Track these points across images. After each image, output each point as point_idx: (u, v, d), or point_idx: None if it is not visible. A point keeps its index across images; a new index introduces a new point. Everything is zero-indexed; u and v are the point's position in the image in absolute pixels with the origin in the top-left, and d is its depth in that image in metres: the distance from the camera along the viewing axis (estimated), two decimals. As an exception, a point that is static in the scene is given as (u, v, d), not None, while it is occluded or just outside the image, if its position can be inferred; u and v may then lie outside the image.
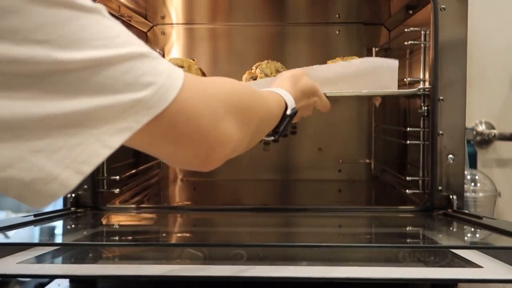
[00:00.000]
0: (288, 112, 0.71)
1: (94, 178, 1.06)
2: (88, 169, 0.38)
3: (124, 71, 0.39)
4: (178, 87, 0.43)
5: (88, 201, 1.06)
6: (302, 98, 0.81)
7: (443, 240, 0.89)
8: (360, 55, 1.32)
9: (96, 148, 0.38)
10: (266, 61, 1.16)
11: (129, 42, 0.41)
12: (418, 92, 1.07)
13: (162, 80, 0.41)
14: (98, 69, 0.37)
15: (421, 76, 1.09)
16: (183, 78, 0.44)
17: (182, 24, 1.50)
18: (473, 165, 1.40)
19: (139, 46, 0.41)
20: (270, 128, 0.68)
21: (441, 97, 1.01)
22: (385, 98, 1.43)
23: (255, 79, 1.11)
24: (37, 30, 0.35)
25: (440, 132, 1.02)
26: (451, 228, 0.95)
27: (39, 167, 0.36)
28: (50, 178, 0.36)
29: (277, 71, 1.12)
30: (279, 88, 0.75)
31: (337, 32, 1.48)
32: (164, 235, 1.01)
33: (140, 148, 0.46)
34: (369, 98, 1.48)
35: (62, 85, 0.36)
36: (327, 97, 0.95)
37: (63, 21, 0.36)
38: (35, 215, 0.93)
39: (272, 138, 0.73)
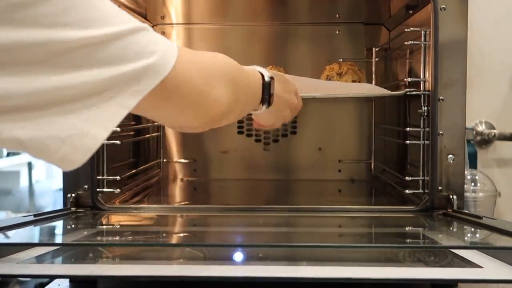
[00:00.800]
0: (267, 79, 0.76)
1: (94, 178, 1.06)
2: (112, 125, 0.45)
3: (134, 42, 0.46)
4: (175, 54, 0.50)
5: (88, 201, 1.06)
6: (279, 87, 0.82)
7: (443, 240, 0.89)
8: (360, 55, 1.33)
9: (116, 109, 0.45)
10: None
11: (131, 18, 0.47)
12: (407, 93, 1.09)
13: (163, 47, 0.48)
14: (114, 42, 0.44)
15: (421, 76, 1.09)
16: (178, 47, 0.51)
17: (182, 24, 1.50)
18: (473, 165, 1.39)
19: (139, 22, 0.48)
20: (255, 99, 0.75)
21: (441, 97, 1.01)
22: (386, 99, 1.43)
23: None
24: (64, 14, 0.41)
25: (440, 132, 1.02)
26: (451, 228, 0.95)
27: (72, 125, 0.42)
28: (83, 134, 0.43)
29: None
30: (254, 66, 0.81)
31: (337, 32, 1.48)
32: (164, 235, 1.01)
33: (145, 112, 0.54)
34: (369, 98, 1.48)
35: (87, 58, 0.43)
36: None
37: (85, 5, 0.43)
38: (35, 215, 0.93)
39: (264, 107, 0.78)
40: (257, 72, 0.77)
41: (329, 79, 1.22)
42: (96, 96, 0.44)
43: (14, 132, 0.41)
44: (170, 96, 0.52)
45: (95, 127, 0.44)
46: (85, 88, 0.43)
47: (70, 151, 0.43)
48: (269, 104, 0.78)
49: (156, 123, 1.44)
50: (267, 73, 0.78)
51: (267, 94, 0.77)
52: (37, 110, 0.41)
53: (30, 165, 3.14)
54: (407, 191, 1.10)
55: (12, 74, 0.40)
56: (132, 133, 1.31)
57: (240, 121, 1.48)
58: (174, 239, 0.96)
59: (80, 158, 0.43)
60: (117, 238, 0.96)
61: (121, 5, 1.24)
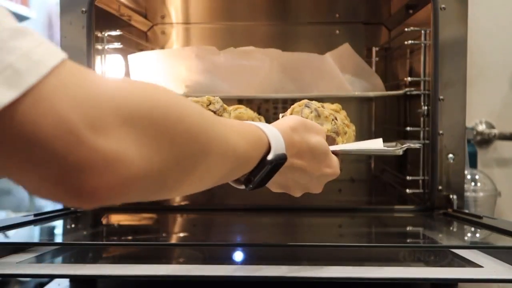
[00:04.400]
0: (270, 157, 0.50)
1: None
2: None
3: None
4: (41, 72, 0.30)
5: (88, 201, 1.06)
6: (302, 157, 0.57)
7: (443, 239, 0.89)
8: (360, 55, 1.32)
9: None
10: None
11: None
12: (407, 93, 1.10)
13: (11, 59, 0.29)
14: None
15: (421, 76, 1.09)
16: (58, 62, 0.31)
17: (182, 23, 1.50)
18: (473, 164, 1.39)
19: None
20: (227, 167, 0.46)
21: (441, 97, 1.01)
22: (386, 98, 1.43)
23: None
24: None
25: (440, 131, 1.02)
26: (451, 228, 0.95)
27: None
28: None
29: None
30: (269, 125, 0.54)
31: (337, 31, 1.48)
32: (164, 235, 1.01)
33: None
34: (369, 98, 1.48)
35: None
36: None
37: None
38: (35, 215, 0.93)
39: (243, 187, 0.54)
40: (261, 133, 0.51)
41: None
42: None
43: None
44: (14, 143, 0.30)
45: None
46: None
47: None
48: (256, 187, 0.54)
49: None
50: (280, 146, 0.52)
51: (259, 176, 0.51)
52: None
53: (30, 165, 3.12)
54: (407, 190, 1.10)
55: None
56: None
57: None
58: (174, 239, 0.96)
59: None
60: (117, 238, 0.96)
61: (121, 5, 1.24)
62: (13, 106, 0.28)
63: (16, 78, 0.29)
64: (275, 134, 0.52)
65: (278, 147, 0.51)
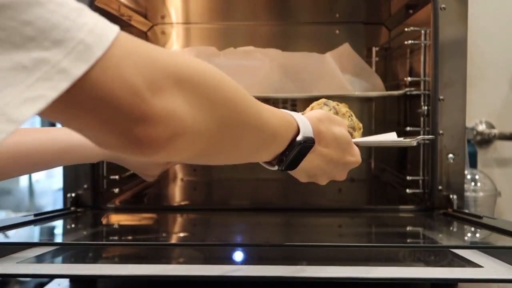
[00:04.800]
0: (299, 138, 0.55)
1: (94, 178, 1.06)
2: None
3: (24, 21, 0.31)
4: (105, 44, 0.34)
5: (88, 201, 1.06)
6: (328, 145, 0.61)
7: (443, 239, 0.89)
8: (360, 55, 1.32)
9: None
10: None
11: None
12: (407, 93, 1.10)
13: (81, 35, 0.33)
14: None
15: (421, 76, 1.09)
16: (116, 35, 0.35)
17: (182, 23, 1.50)
18: (473, 164, 1.39)
19: None
20: (260, 141, 0.52)
21: (441, 97, 1.01)
22: (386, 98, 1.43)
23: None
24: None
25: (440, 131, 1.02)
26: (451, 228, 0.95)
27: None
28: None
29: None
30: (296, 113, 0.59)
31: (337, 31, 1.48)
32: (164, 235, 1.01)
33: (57, 121, 0.38)
34: (369, 98, 1.48)
35: None
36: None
37: None
38: (35, 215, 0.93)
39: (276, 168, 0.58)
40: (291, 117, 0.56)
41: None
42: None
43: None
44: (92, 104, 0.35)
45: None
46: None
47: None
48: (288, 169, 0.58)
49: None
50: (308, 130, 0.56)
51: (291, 156, 0.56)
52: None
53: (30, 165, 3.13)
54: (407, 190, 1.10)
55: None
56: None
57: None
58: (174, 239, 0.96)
59: None
60: (117, 238, 0.96)
61: (122, 5, 1.24)
62: (87, 75, 0.33)
63: (87, 51, 0.33)
64: (303, 119, 0.57)
65: (306, 130, 0.56)
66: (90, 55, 0.33)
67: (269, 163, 0.59)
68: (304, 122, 0.57)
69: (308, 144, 0.56)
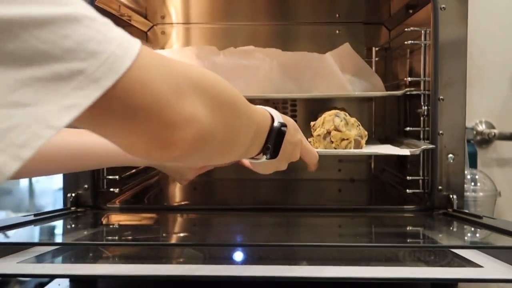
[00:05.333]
0: (276, 124, 0.62)
1: (94, 178, 1.06)
2: (27, 153, 0.32)
3: (63, 35, 0.33)
4: (132, 56, 0.37)
5: (88, 201, 1.06)
6: (288, 131, 0.69)
7: (443, 239, 0.89)
8: (360, 55, 1.32)
9: (36, 129, 0.32)
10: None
11: (74, 2, 0.35)
12: (407, 93, 1.10)
13: (112, 48, 0.36)
14: (32, 30, 0.32)
15: (421, 76, 1.09)
16: (139, 47, 0.39)
17: (182, 23, 1.50)
18: (473, 164, 1.40)
19: (85, 7, 0.36)
20: (253, 135, 0.59)
21: (441, 97, 1.01)
22: (386, 98, 1.43)
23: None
24: None
25: (440, 131, 1.02)
26: (451, 228, 0.95)
27: None
28: None
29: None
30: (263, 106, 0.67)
31: (337, 31, 1.48)
32: (164, 235, 1.01)
33: (87, 128, 0.40)
34: (369, 98, 1.48)
35: None
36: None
37: None
38: (35, 215, 0.93)
39: (265, 158, 0.64)
40: (265, 111, 0.63)
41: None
42: (6, 112, 0.31)
43: None
44: (121, 110, 0.38)
45: (3, 156, 0.32)
46: None
47: None
48: (273, 156, 0.64)
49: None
50: (279, 117, 0.63)
51: (272, 143, 0.62)
52: None
53: (30, 165, 3.12)
54: (407, 190, 1.10)
55: None
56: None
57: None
58: (174, 239, 0.96)
59: None
60: (117, 238, 0.96)
61: (122, 5, 1.24)
62: (117, 84, 0.36)
63: (118, 62, 0.36)
64: (272, 110, 0.65)
65: (278, 118, 0.63)
66: (120, 66, 0.36)
67: (255, 157, 0.65)
68: (274, 111, 0.64)
69: (283, 128, 0.63)
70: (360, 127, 1.07)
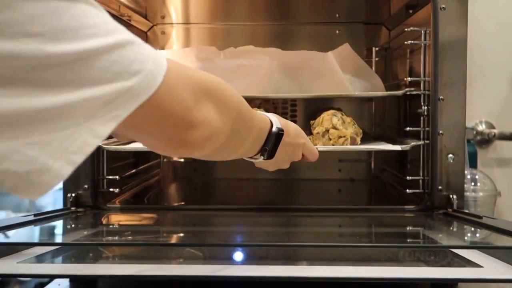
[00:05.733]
0: (274, 129, 0.69)
1: (94, 178, 1.06)
2: (79, 158, 0.39)
3: (113, 61, 0.39)
4: (163, 72, 0.43)
5: (88, 201, 1.06)
6: (289, 135, 0.77)
7: (443, 239, 0.89)
8: (360, 55, 1.32)
9: (86, 138, 0.39)
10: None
11: (116, 29, 0.40)
12: (407, 93, 1.10)
13: (149, 66, 0.42)
14: (88, 60, 0.38)
15: (421, 76, 1.09)
16: (167, 63, 0.45)
17: (182, 23, 1.50)
18: (473, 164, 1.40)
19: (125, 33, 0.41)
20: (252, 137, 0.66)
21: (441, 97, 1.01)
22: (386, 98, 1.43)
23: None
24: (29, 23, 0.35)
25: (440, 131, 1.02)
26: (451, 228, 0.95)
27: (33, 158, 0.37)
28: (43, 169, 0.37)
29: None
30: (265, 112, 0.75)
31: (337, 31, 1.48)
32: (164, 235, 1.01)
33: (123, 133, 0.47)
34: (369, 98, 1.48)
35: (54, 78, 0.36)
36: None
37: (53, 12, 0.36)
38: (35, 215, 0.93)
39: (262, 158, 0.72)
40: (266, 117, 0.70)
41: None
42: (63, 123, 0.37)
43: None
44: (153, 116, 0.45)
45: (60, 161, 0.38)
46: (51, 114, 0.36)
47: (27, 187, 0.37)
48: (269, 157, 0.71)
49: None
50: (277, 123, 0.71)
51: (270, 145, 0.69)
52: None
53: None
54: (407, 190, 1.10)
55: None
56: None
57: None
58: (174, 239, 0.96)
59: (37, 194, 0.38)
60: (117, 238, 0.96)
61: (122, 5, 1.24)
62: (152, 96, 0.42)
63: (153, 78, 0.42)
64: (272, 116, 0.72)
65: (277, 123, 0.71)
66: (155, 81, 0.42)
67: (253, 157, 0.73)
68: (274, 118, 0.71)
69: (280, 132, 0.70)
70: (356, 125, 1.15)
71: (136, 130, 0.47)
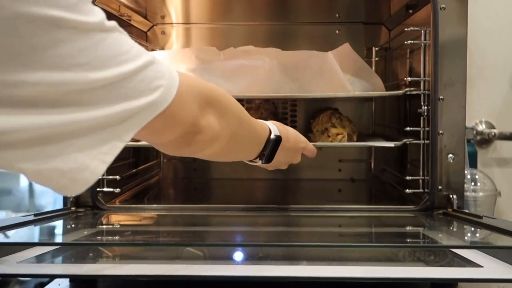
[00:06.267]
0: (272, 136, 0.77)
1: (94, 178, 1.06)
2: (110, 159, 0.46)
3: (139, 81, 0.46)
4: (176, 85, 0.51)
5: (88, 201, 1.06)
6: (288, 141, 0.84)
7: (443, 239, 0.89)
8: (360, 55, 1.32)
9: (115, 143, 0.46)
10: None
11: (140, 53, 0.47)
12: (407, 93, 1.10)
13: (166, 81, 0.49)
14: (122, 82, 0.45)
15: (421, 76, 1.09)
16: (178, 77, 0.52)
17: (182, 23, 1.50)
18: (473, 164, 1.40)
19: (147, 54, 0.48)
20: (253, 148, 0.76)
21: (441, 97, 1.01)
22: (386, 98, 1.43)
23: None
24: (78, 55, 0.41)
25: (440, 131, 1.02)
26: (451, 228, 0.95)
27: (74, 159, 0.44)
28: (83, 167, 0.44)
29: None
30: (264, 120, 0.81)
31: (337, 31, 1.48)
32: (164, 235, 1.01)
33: (140, 137, 0.54)
34: (369, 98, 1.48)
35: (95, 98, 0.43)
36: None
37: (96, 43, 0.42)
38: (35, 215, 0.93)
39: (260, 162, 0.79)
40: (265, 125, 0.77)
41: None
42: (99, 131, 0.44)
43: (20, 165, 0.42)
44: (168, 123, 0.53)
45: (95, 161, 0.45)
46: (90, 125, 0.44)
47: (70, 183, 0.44)
48: (267, 161, 0.78)
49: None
50: (276, 130, 0.78)
51: (268, 151, 0.77)
52: (44, 144, 0.42)
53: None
54: (407, 190, 1.10)
55: (25, 111, 0.40)
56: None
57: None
58: (174, 239, 0.96)
59: (78, 189, 0.45)
60: (117, 237, 0.96)
61: (122, 5, 1.24)
62: (168, 107, 0.50)
63: (169, 92, 0.50)
64: (271, 124, 0.79)
65: (275, 131, 0.78)
66: (170, 95, 0.50)
67: (252, 161, 0.80)
68: (272, 126, 0.79)
69: (278, 140, 0.78)
70: (352, 124, 1.23)
71: (151, 134, 0.54)
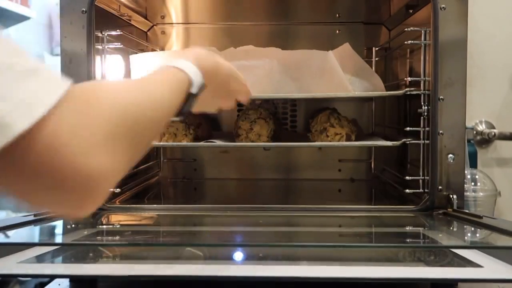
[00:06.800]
0: (194, 90, 0.61)
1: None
2: None
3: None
4: (41, 110, 0.35)
5: (88, 201, 1.06)
6: (211, 78, 0.67)
7: (443, 239, 0.89)
8: (360, 55, 1.32)
9: None
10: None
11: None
12: (407, 93, 1.09)
13: (15, 100, 0.34)
14: None
15: (421, 76, 1.09)
16: (58, 97, 0.37)
17: (182, 23, 1.50)
18: (473, 164, 1.39)
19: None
20: (165, 117, 0.55)
21: (441, 97, 1.01)
22: (386, 98, 1.43)
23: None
24: None
25: (440, 131, 1.02)
26: (451, 228, 0.95)
27: None
28: None
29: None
30: (183, 60, 0.62)
31: (337, 31, 1.48)
32: (164, 235, 1.01)
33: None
34: (369, 98, 1.48)
35: None
36: None
37: None
38: (35, 215, 0.93)
39: (177, 119, 0.63)
40: (182, 74, 0.60)
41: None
42: None
43: None
44: (24, 169, 0.36)
45: None
46: None
47: None
48: (188, 113, 0.63)
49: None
50: (198, 77, 0.61)
51: (189, 106, 0.61)
52: None
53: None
54: (407, 190, 1.10)
55: None
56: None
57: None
58: (174, 239, 0.96)
59: None
60: (117, 238, 0.96)
61: (122, 5, 1.24)
62: (32, 131, 0.35)
63: (22, 113, 0.34)
64: (193, 70, 0.61)
65: (197, 80, 0.61)
66: (24, 119, 0.35)
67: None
68: (195, 72, 0.61)
69: (200, 91, 0.62)
70: (350, 124, 1.23)
71: (6, 178, 0.37)
